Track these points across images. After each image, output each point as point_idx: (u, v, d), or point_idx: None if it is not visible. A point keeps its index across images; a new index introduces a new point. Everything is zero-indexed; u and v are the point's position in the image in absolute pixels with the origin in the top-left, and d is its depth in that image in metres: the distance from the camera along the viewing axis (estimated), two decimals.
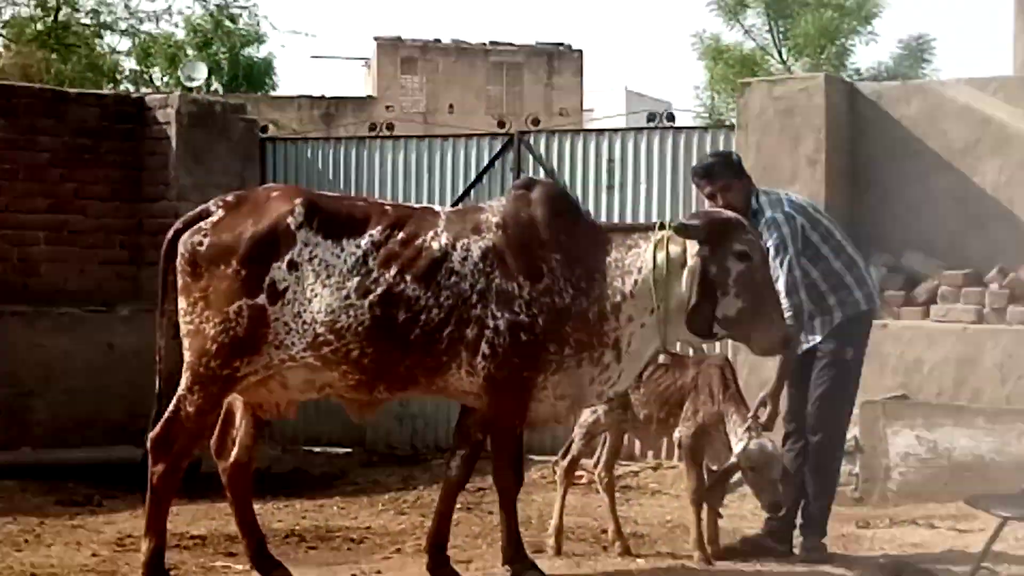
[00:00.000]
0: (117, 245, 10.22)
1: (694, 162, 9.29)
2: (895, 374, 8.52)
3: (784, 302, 6.08)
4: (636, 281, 5.64)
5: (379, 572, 6.06)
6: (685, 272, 5.57)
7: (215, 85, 30.71)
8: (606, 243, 5.76)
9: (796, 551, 6.44)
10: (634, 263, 5.67)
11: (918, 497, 7.86)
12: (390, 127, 10.83)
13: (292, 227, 5.60)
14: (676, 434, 6.42)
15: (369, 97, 36.18)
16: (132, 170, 10.23)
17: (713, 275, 5.54)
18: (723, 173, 6.38)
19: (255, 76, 33.31)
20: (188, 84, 20.75)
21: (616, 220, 9.75)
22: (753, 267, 5.61)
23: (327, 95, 33.91)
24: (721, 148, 9.49)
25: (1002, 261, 8.70)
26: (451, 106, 36.25)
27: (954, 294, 8.71)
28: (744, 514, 7.20)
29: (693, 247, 5.59)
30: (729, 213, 5.84)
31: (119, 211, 10.20)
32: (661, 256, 5.62)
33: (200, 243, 5.65)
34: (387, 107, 32.97)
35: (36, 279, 9.87)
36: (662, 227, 5.73)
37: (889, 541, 6.88)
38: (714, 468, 6.34)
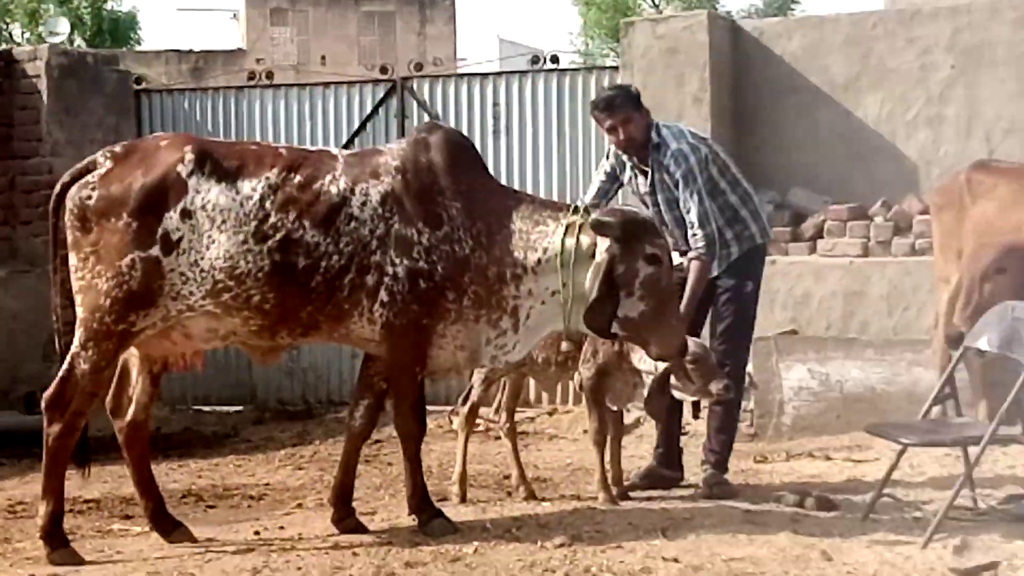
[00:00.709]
0: None
1: (581, 103, 9.36)
2: (784, 309, 8.63)
3: (698, 232, 6.14)
4: (539, 260, 5.59)
5: (282, 528, 5.95)
6: (592, 266, 5.52)
7: (78, 40, 29.93)
8: (512, 208, 5.69)
9: (700, 487, 6.48)
10: (540, 240, 5.61)
11: (812, 430, 7.98)
12: (269, 76, 10.61)
13: (183, 175, 5.47)
14: (577, 376, 6.40)
15: (239, 50, 35.56)
16: (2, 125, 9.90)
17: (619, 274, 5.50)
18: (624, 106, 6.34)
19: (119, 30, 32.55)
20: (50, 40, 20.15)
21: (503, 165, 9.72)
22: (661, 271, 5.57)
23: (195, 49, 33.26)
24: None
25: (886, 194, 8.85)
26: (323, 57, 35.77)
27: (840, 228, 8.83)
28: (643, 454, 7.22)
29: (604, 242, 5.53)
30: (645, 213, 5.82)
31: None
32: (571, 243, 5.57)
33: (88, 196, 5.50)
34: (257, 60, 32.39)
35: None
36: (575, 211, 5.67)
37: (787, 474, 6.97)
38: (614, 409, 6.35)
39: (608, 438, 6.36)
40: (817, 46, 9.27)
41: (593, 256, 5.54)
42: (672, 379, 5.96)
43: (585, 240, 5.57)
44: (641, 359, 6.06)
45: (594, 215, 5.58)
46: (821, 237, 8.85)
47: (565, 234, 5.59)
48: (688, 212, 6.19)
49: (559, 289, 5.61)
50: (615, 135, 6.35)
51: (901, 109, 9.09)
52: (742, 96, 9.36)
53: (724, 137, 9.00)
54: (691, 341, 5.91)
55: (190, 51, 32.50)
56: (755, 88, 9.33)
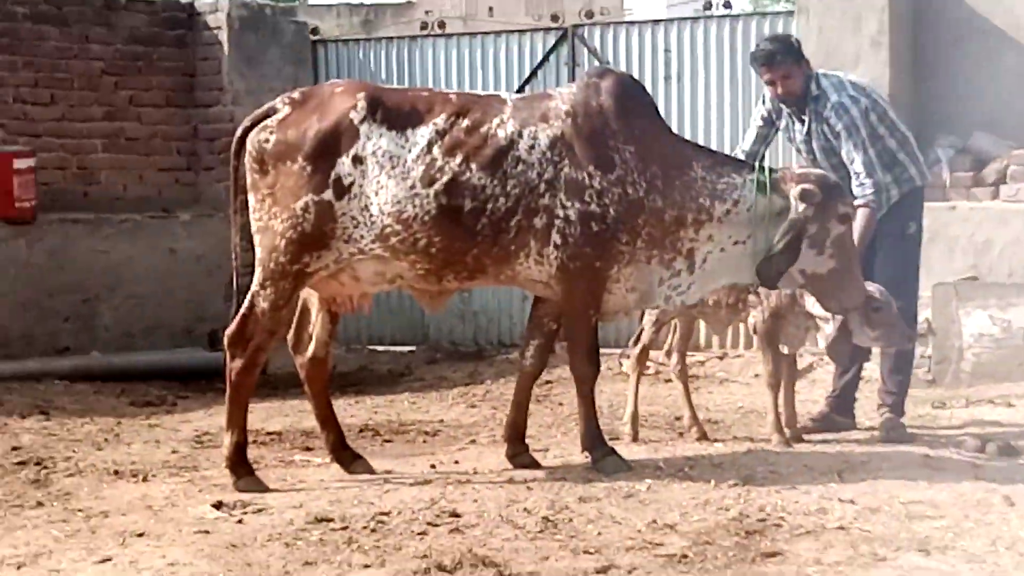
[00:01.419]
0: (174, 152, 10.22)
1: (751, 48, 9.22)
2: (964, 255, 8.42)
3: (865, 181, 6.16)
4: (728, 210, 5.65)
5: (457, 462, 6.06)
6: (786, 222, 5.58)
7: None
8: (691, 156, 5.76)
9: (876, 431, 6.41)
10: (728, 192, 5.66)
11: (992, 377, 7.80)
12: (441, 25, 10.69)
13: (355, 121, 5.59)
14: (751, 319, 6.37)
15: (408, 2, 35.83)
16: (185, 76, 10.20)
17: (812, 233, 5.59)
18: (784, 60, 6.33)
19: None
20: None
21: (675, 112, 9.65)
22: (849, 230, 5.70)
23: (366, 2, 33.67)
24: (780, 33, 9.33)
25: None
26: (491, 8, 35.90)
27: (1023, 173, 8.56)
28: (815, 398, 7.15)
29: (799, 205, 5.59)
30: (833, 176, 5.86)
31: (174, 118, 10.18)
32: (764, 201, 5.63)
33: (267, 140, 5.66)
34: (426, 12, 32.57)
35: (96, 187, 9.90)
36: (761, 169, 5.75)
37: (967, 421, 6.83)
38: (786, 352, 6.32)
39: (782, 381, 6.32)
40: None
41: (780, 214, 5.61)
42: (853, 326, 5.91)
43: (777, 199, 5.63)
44: (814, 303, 6.01)
45: (786, 184, 5.63)
46: (1004, 183, 8.60)
47: (759, 191, 5.63)
48: (852, 163, 6.22)
49: (744, 240, 5.64)
50: (774, 88, 6.41)
51: None
52: (922, 39, 9.12)
53: (903, 81, 8.82)
54: (874, 289, 5.86)
55: (360, 4, 32.89)
56: (936, 31, 9.08)
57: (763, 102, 6.60)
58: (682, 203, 5.65)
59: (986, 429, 6.54)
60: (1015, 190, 8.50)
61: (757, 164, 5.91)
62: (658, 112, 5.95)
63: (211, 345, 9.26)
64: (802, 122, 6.39)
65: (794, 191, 5.61)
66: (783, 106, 6.45)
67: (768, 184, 5.65)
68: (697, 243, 5.68)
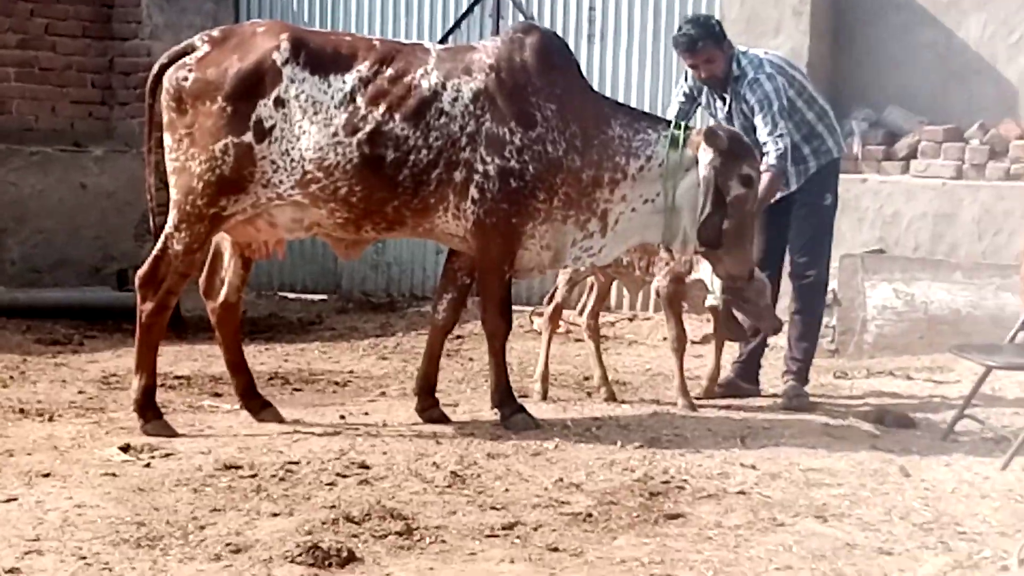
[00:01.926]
0: (89, 84, 10.04)
1: (677, 9, 9.27)
2: (873, 228, 8.57)
3: (769, 147, 6.17)
4: (642, 167, 5.68)
5: (366, 414, 6.09)
6: (700, 180, 5.61)
7: None
8: (609, 115, 5.77)
9: (779, 398, 6.54)
10: (642, 149, 5.69)
11: (894, 349, 7.97)
12: None
13: (278, 63, 5.52)
14: (654, 283, 6.46)
15: None
16: (103, 7, 10.01)
17: (714, 190, 5.61)
18: (706, 45, 6.37)
19: None
20: None
21: (596, 71, 9.67)
22: (750, 194, 5.70)
23: None
24: (705, 1, 9.37)
25: (983, 117, 8.71)
26: None
27: (934, 149, 8.71)
28: (722, 364, 7.25)
29: (706, 157, 5.62)
30: (748, 138, 5.89)
31: (89, 49, 10.00)
32: (675, 155, 5.64)
33: (185, 79, 5.55)
34: None
35: (6, 116, 9.69)
36: (677, 125, 5.79)
37: (867, 391, 6.99)
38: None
39: (687, 345, 6.42)
40: None
41: (689, 170, 5.63)
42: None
43: (688, 154, 5.65)
44: (702, 270, 6.13)
45: (705, 130, 5.66)
46: (915, 157, 8.73)
47: (670, 146, 5.64)
48: (760, 133, 6.25)
49: (653, 198, 5.67)
50: (697, 72, 6.45)
51: (1004, 32, 8.89)
52: (842, 12, 9.21)
53: (821, 52, 8.91)
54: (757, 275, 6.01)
55: None
56: (855, 4, 9.18)
57: (685, 79, 6.66)
58: (599, 163, 5.68)
59: (884, 400, 6.70)
60: (925, 165, 8.65)
61: (673, 120, 5.95)
62: (580, 70, 5.98)
63: (120, 285, 9.15)
64: (723, 100, 6.45)
65: (701, 138, 5.65)
66: (704, 84, 6.51)
67: (681, 140, 5.69)
68: (611, 204, 5.73)
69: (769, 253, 6.61)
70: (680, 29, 6.53)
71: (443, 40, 9.91)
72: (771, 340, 6.96)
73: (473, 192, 5.58)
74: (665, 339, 8.19)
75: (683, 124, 5.85)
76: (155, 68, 5.69)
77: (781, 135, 6.20)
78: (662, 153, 5.68)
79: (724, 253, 5.73)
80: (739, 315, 6.15)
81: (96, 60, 10.02)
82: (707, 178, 5.62)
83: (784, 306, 6.85)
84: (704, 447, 5.48)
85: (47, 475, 4.82)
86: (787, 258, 6.66)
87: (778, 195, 6.46)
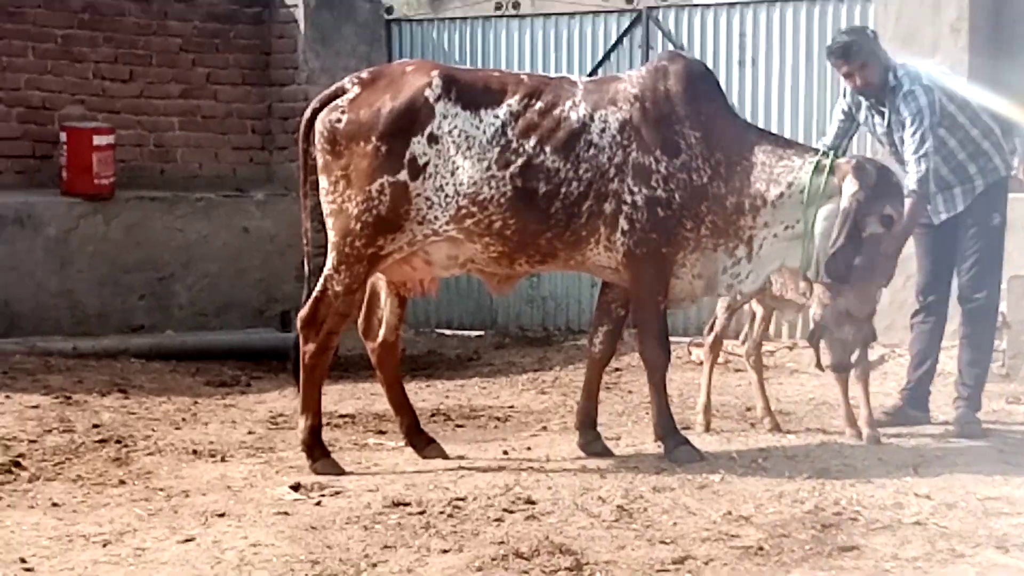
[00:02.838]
0: (249, 130, 10.33)
1: (830, 34, 9.13)
2: None
3: (911, 169, 6.06)
4: (782, 193, 5.63)
5: (529, 448, 6.09)
6: (840, 212, 5.54)
7: None
8: (754, 142, 5.74)
9: (950, 425, 6.37)
10: (783, 175, 5.64)
11: None
12: (516, 6, 10.68)
13: (431, 100, 5.57)
14: (811, 312, 6.32)
15: None
16: (261, 54, 10.30)
17: (855, 225, 5.53)
18: (860, 52, 6.26)
19: None
20: None
21: (749, 97, 9.61)
22: (886, 236, 5.63)
23: None
24: (858, 19, 9.24)
25: None
26: None
27: None
28: (889, 391, 7.11)
29: (850, 188, 5.54)
30: (899, 175, 5.80)
31: (249, 96, 10.29)
32: (818, 181, 5.58)
33: (339, 120, 5.63)
34: None
35: (172, 165, 10.03)
36: (824, 153, 5.73)
37: None
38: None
39: (849, 371, 6.25)
40: None
41: (832, 198, 5.57)
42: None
43: (832, 181, 5.58)
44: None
45: (856, 158, 5.56)
46: None
47: (813, 172, 5.57)
48: (906, 150, 6.12)
49: (793, 225, 5.64)
50: (851, 80, 6.34)
51: None
52: (1002, 24, 8.99)
53: (982, 68, 8.68)
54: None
55: None
56: (1016, 15, 8.94)
57: (843, 96, 6.54)
58: (741, 189, 5.65)
59: None
60: None
61: (822, 147, 5.88)
62: (725, 97, 5.97)
63: (283, 326, 9.34)
64: (881, 114, 6.32)
65: (847, 172, 5.57)
66: (862, 99, 6.39)
67: (828, 167, 5.62)
68: (755, 230, 5.68)
69: (936, 276, 6.48)
70: (834, 38, 6.47)
71: (593, 73, 9.94)
72: (939, 367, 6.79)
73: (623, 223, 5.58)
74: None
75: (833, 152, 5.77)
76: (307, 112, 5.78)
77: (926, 155, 6.04)
78: (804, 179, 5.62)
79: (849, 289, 5.65)
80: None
81: (256, 106, 10.31)
82: (846, 210, 5.54)
83: (952, 330, 6.68)
84: (876, 477, 5.36)
85: (222, 515, 4.93)
86: (955, 281, 6.49)
87: (943, 216, 6.33)
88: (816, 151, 5.79)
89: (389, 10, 10.92)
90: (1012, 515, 4.82)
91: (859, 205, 5.53)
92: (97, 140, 9.20)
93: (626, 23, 10.12)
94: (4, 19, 9.30)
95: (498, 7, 10.69)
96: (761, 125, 9.17)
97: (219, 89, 10.17)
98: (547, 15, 10.77)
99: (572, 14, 10.56)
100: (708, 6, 10.32)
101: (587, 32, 10.24)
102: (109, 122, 9.49)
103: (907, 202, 5.98)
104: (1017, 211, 7.91)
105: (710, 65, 9.38)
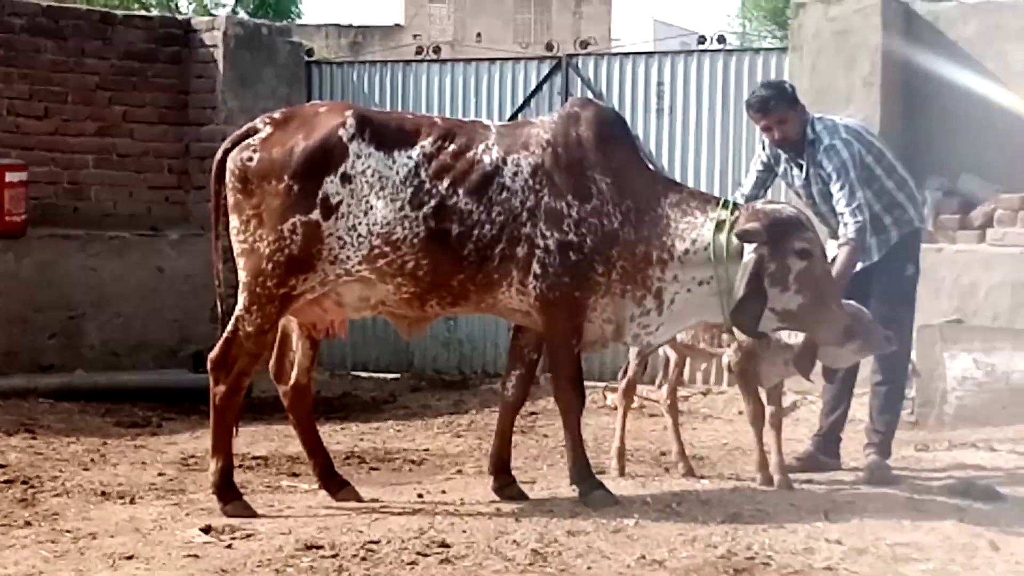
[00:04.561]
0: (165, 169, 10.24)
1: (747, 85, 9.29)
2: (950, 298, 8.47)
3: (848, 221, 6.13)
4: (687, 250, 5.64)
5: (444, 492, 6.07)
6: (741, 267, 5.53)
7: (240, 13, 30.59)
8: (660, 193, 5.75)
9: (861, 471, 6.44)
10: (687, 231, 5.65)
11: (975, 421, 7.83)
12: (436, 50, 10.74)
13: (344, 139, 5.56)
14: (724, 358, 6.39)
15: (396, 25, 36.01)
16: (179, 93, 10.23)
17: (771, 272, 5.54)
18: (778, 106, 6.36)
19: (281, 4, 33.09)
20: (215, 12, 20.64)
21: (666, 145, 9.73)
22: (813, 263, 5.61)
23: (354, 24, 33.78)
24: (774, 71, 9.42)
25: None
26: (479, 35, 36.04)
27: (1010, 217, 8.63)
28: (800, 437, 7.19)
29: (757, 248, 5.55)
30: (790, 211, 5.76)
31: (166, 135, 10.21)
32: (722, 238, 5.60)
33: (250, 159, 5.60)
34: (415, 35, 32.75)
35: (86, 203, 9.91)
36: (725, 205, 5.72)
37: (950, 464, 6.86)
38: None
39: (766, 419, 6.33)
40: (993, 32, 9.07)
41: (741, 253, 5.57)
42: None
43: (733, 239, 5.59)
44: (791, 334, 6.05)
45: (739, 224, 5.57)
46: (991, 226, 8.65)
47: (716, 229, 5.61)
48: (837, 203, 6.20)
49: (707, 280, 5.65)
50: (770, 134, 6.42)
51: None
52: (914, 81, 9.19)
53: (894, 122, 8.88)
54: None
55: (349, 26, 33.03)
56: (928, 73, 9.15)
57: (762, 147, 6.63)
58: (649, 240, 5.66)
59: (969, 473, 6.58)
60: (1001, 234, 8.56)
61: (721, 201, 5.83)
62: (636, 144, 6.02)
63: (196, 367, 9.23)
64: (800, 167, 6.42)
65: (736, 232, 5.57)
66: (781, 152, 6.49)
67: (728, 223, 5.61)
68: (664, 283, 5.69)
69: None
70: (753, 92, 6.56)
71: (512, 118, 10.00)
72: (850, 413, 6.88)
73: (535, 267, 5.60)
74: (741, 413, 8.17)
75: (732, 205, 5.74)
76: (219, 153, 5.74)
77: (859, 206, 6.14)
78: (707, 237, 5.62)
79: (812, 323, 5.67)
80: (839, 355, 6.00)
81: (173, 146, 10.23)
82: (745, 264, 5.53)
83: (864, 376, 6.77)
84: (787, 522, 5.39)
85: (130, 557, 4.83)
86: None
87: (859, 266, 6.41)
88: (718, 204, 5.75)
89: (309, 52, 10.93)
90: (921, 560, 4.87)
91: (763, 257, 5.54)
92: (10, 177, 9.09)
93: (546, 70, 10.20)
94: None
95: (419, 51, 10.74)
96: (678, 173, 9.38)
97: (135, 127, 10.07)
98: (467, 60, 10.87)
99: (492, 60, 10.64)
100: (627, 55, 10.48)
101: (507, 78, 10.31)
102: (22, 159, 9.38)
103: (844, 250, 6.06)
104: (926, 261, 8.06)
105: (628, 113, 9.58)
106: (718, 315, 5.74)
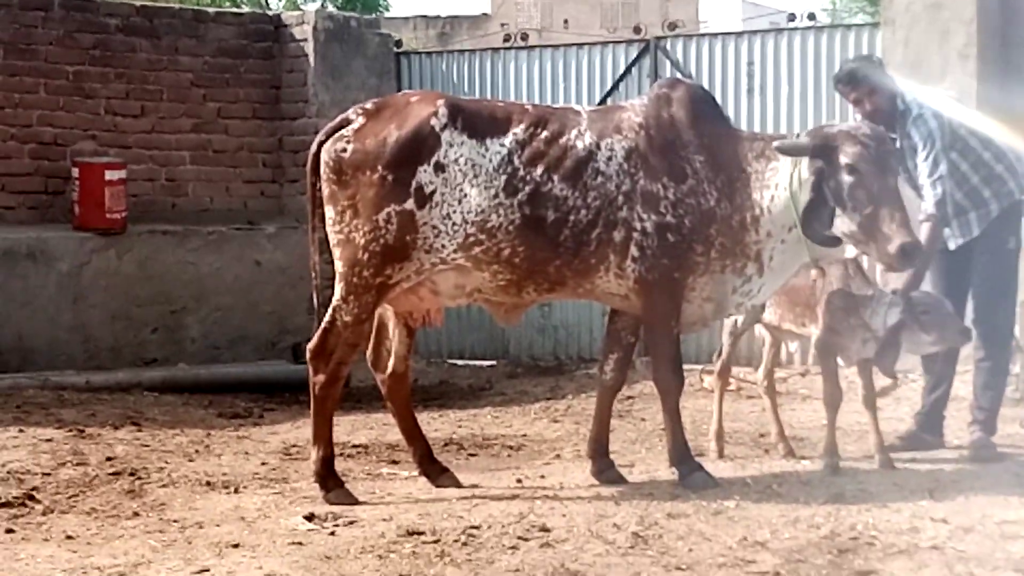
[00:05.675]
0: (260, 164, 10.40)
1: (838, 62, 9.16)
2: None
3: (927, 193, 6.06)
4: (774, 197, 5.61)
5: (543, 477, 6.08)
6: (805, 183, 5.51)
7: (329, 7, 30.85)
8: (747, 152, 5.71)
9: (965, 449, 6.35)
10: (772, 178, 5.63)
11: None
12: (524, 38, 10.74)
13: (436, 128, 5.58)
14: (814, 338, 6.30)
15: (484, 15, 36.11)
16: (271, 88, 10.38)
17: (830, 189, 5.47)
18: (866, 78, 6.29)
19: None
20: (305, 7, 20.85)
21: (757, 125, 9.63)
22: (863, 178, 5.47)
23: (442, 15, 33.93)
24: (866, 47, 9.29)
25: None
26: (566, 21, 36.01)
27: None
28: (902, 416, 7.10)
29: (812, 163, 5.50)
30: (842, 126, 5.70)
31: (260, 130, 10.36)
32: (796, 173, 5.56)
33: (344, 150, 5.63)
34: (502, 24, 32.78)
35: (183, 198, 10.10)
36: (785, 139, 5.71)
37: None
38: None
39: (839, 400, 6.18)
40: None
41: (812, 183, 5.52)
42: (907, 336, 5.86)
43: (806, 169, 5.54)
44: (871, 314, 5.95)
45: (780, 141, 5.59)
46: None
47: (794, 167, 5.57)
48: (920, 175, 6.13)
49: (793, 224, 5.60)
50: (860, 107, 6.34)
51: None
52: (1010, 51, 9.00)
53: (991, 93, 8.69)
54: (919, 294, 5.88)
55: (437, 16, 33.18)
56: None
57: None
58: (742, 206, 5.64)
59: None
60: None
61: (797, 135, 5.80)
62: (726, 119, 5.96)
63: (295, 358, 9.36)
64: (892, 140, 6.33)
65: (776, 144, 5.57)
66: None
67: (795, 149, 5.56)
68: (761, 243, 5.65)
69: (950, 300, 6.45)
70: (841, 66, 6.48)
71: (602, 102, 9.97)
72: (953, 391, 6.77)
73: (633, 250, 5.59)
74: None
75: (796, 135, 5.71)
76: (314, 145, 5.79)
77: (940, 178, 6.05)
78: (785, 175, 5.59)
79: (874, 242, 5.49)
80: (914, 344, 5.92)
81: (266, 140, 10.37)
82: (807, 180, 5.50)
83: (966, 354, 6.66)
84: (891, 502, 5.33)
85: (236, 546, 4.92)
86: (969, 305, 6.47)
87: (958, 241, 6.31)
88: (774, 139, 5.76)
89: (398, 43, 10.99)
90: None
91: (821, 171, 5.46)
92: (109, 175, 9.26)
93: (634, 53, 10.16)
94: (16, 56, 9.39)
95: (507, 39, 10.75)
96: None
97: (230, 123, 10.24)
98: (555, 46, 10.84)
99: (580, 45, 10.61)
100: (716, 35, 10.40)
101: (596, 63, 10.28)
102: (121, 157, 9.56)
103: (926, 226, 5.99)
104: None
105: (718, 94, 9.48)
106: (808, 255, 5.69)
